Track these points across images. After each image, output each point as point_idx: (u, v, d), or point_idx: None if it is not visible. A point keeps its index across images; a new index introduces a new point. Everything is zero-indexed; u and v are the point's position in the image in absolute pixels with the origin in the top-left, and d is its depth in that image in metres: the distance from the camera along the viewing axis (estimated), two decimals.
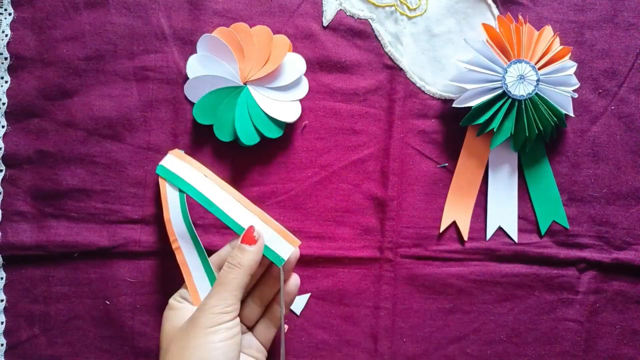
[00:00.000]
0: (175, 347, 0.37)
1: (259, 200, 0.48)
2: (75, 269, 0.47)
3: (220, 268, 0.42)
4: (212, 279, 0.42)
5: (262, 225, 0.42)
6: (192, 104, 0.47)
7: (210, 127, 0.46)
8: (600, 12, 0.49)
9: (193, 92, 0.47)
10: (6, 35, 0.46)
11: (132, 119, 0.47)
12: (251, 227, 0.41)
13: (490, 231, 0.48)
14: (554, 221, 0.48)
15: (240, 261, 0.39)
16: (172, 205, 0.43)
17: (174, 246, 0.43)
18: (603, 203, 0.49)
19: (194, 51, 0.47)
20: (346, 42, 0.48)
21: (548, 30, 0.46)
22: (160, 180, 0.44)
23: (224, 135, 0.46)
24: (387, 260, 0.48)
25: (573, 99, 0.46)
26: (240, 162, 0.48)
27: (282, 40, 0.46)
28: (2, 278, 0.47)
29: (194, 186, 0.43)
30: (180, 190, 0.43)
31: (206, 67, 0.46)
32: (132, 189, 0.47)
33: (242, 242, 0.40)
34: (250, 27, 0.46)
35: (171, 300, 0.42)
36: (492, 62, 0.45)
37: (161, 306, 0.44)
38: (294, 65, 0.46)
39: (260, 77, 0.46)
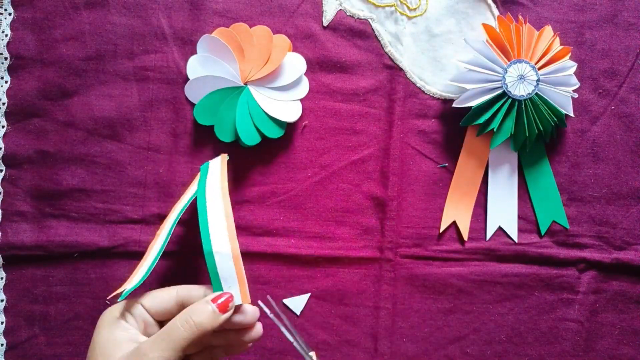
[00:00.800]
0: None
1: (259, 200, 0.48)
2: (75, 269, 0.47)
3: (181, 304, 0.38)
4: (145, 274, 0.39)
5: (229, 261, 0.38)
6: (193, 104, 0.47)
7: (211, 127, 0.46)
8: (600, 12, 0.49)
9: (194, 92, 0.46)
10: (6, 35, 0.46)
11: (132, 119, 0.47)
12: (230, 296, 0.37)
13: (490, 231, 0.48)
14: (554, 221, 0.48)
15: (201, 322, 0.35)
16: (183, 200, 0.43)
17: (158, 231, 0.42)
18: (603, 203, 0.49)
19: (194, 51, 0.47)
20: (346, 42, 0.48)
21: (548, 30, 0.46)
22: (197, 176, 0.44)
23: (224, 136, 0.46)
24: (387, 260, 0.48)
25: (573, 99, 0.46)
26: (241, 162, 0.48)
27: (282, 39, 0.46)
28: (2, 278, 0.47)
29: (206, 192, 0.41)
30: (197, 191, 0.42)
31: (206, 67, 0.46)
32: (132, 189, 0.47)
33: (217, 305, 0.36)
34: (250, 27, 0.46)
35: (117, 314, 0.36)
36: (492, 62, 0.45)
37: None
38: (294, 65, 0.46)
39: (261, 77, 0.46)
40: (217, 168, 0.43)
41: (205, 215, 0.39)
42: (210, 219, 0.39)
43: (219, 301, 0.36)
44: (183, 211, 0.42)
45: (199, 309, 0.36)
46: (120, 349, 0.34)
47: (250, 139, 0.45)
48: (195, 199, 0.41)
